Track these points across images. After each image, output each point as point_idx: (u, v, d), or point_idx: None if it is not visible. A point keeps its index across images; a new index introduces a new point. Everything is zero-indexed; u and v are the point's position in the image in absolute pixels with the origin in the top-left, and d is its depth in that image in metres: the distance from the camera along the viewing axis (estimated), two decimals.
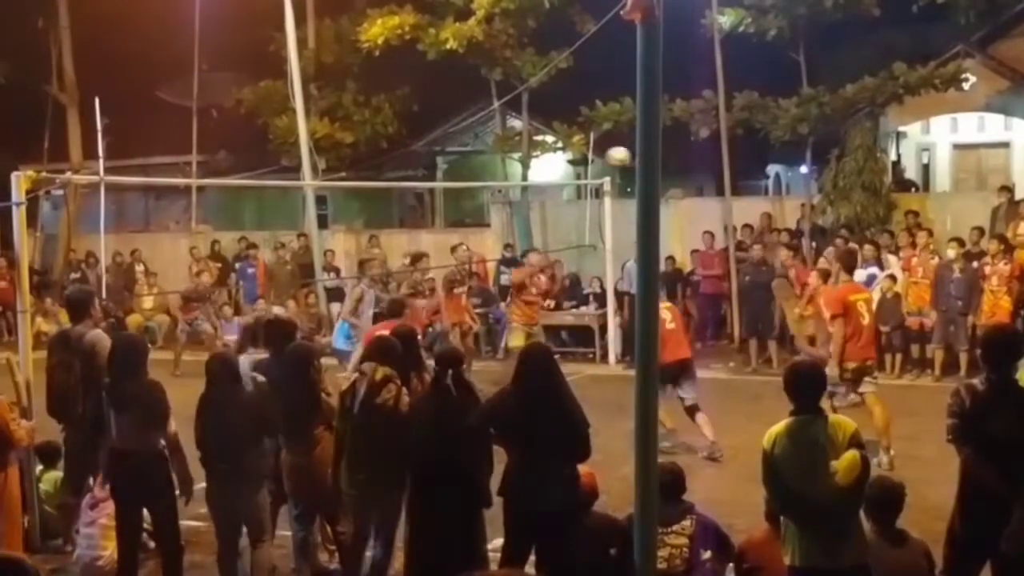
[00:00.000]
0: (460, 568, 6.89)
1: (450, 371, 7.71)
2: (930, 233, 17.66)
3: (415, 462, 7.75)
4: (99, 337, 9.16)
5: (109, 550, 8.54)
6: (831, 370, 11.56)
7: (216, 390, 7.94)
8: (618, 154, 17.38)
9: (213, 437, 7.85)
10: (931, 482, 8.98)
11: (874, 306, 16.67)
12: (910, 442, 12.09)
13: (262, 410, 7.98)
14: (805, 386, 6.44)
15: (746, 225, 20.18)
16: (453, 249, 20.39)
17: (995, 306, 15.87)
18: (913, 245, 17.36)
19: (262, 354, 9.08)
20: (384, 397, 7.70)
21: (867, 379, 11.80)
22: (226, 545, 8.09)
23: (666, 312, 12.65)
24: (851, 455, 6.13)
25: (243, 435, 7.84)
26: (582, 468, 7.40)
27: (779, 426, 6.38)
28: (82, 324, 9.36)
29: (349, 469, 7.85)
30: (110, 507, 8.63)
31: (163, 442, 8.05)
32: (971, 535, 6.81)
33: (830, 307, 11.95)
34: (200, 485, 8.19)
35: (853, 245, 16.68)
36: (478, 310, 18.20)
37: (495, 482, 7.49)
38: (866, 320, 11.92)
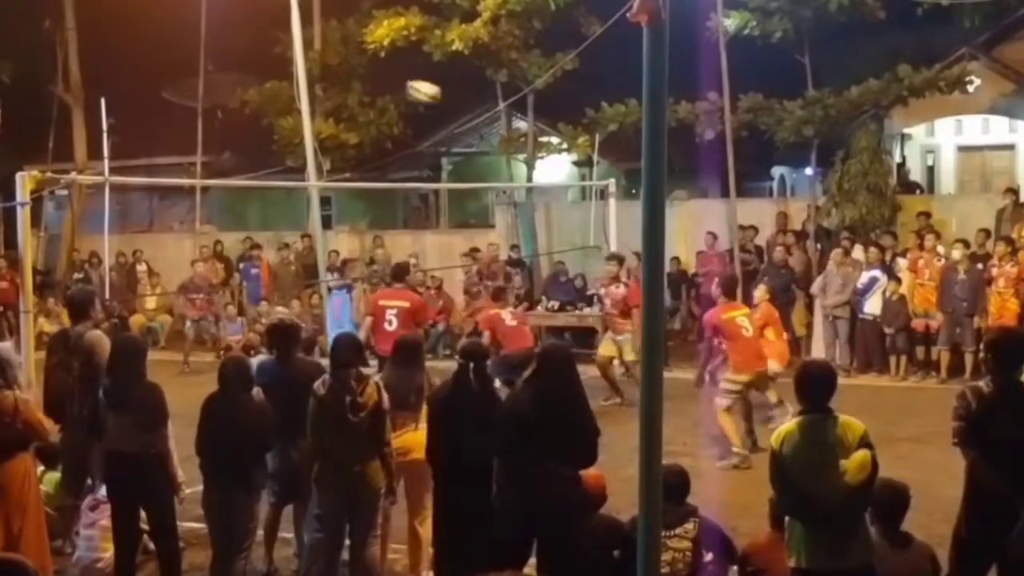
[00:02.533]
0: (483, 566, 6.88)
1: (471, 364, 7.74)
2: (937, 235, 17.63)
3: (437, 454, 7.79)
4: (98, 338, 9.15)
5: (109, 552, 8.51)
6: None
7: (227, 395, 7.89)
8: (423, 89, 17.04)
9: (217, 444, 7.78)
10: (936, 484, 8.96)
11: (879, 308, 16.81)
12: (915, 444, 12.10)
13: (266, 424, 7.95)
14: (815, 386, 6.43)
15: (750, 226, 20.14)
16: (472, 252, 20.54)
17: (1002, 308, 15.84)
18: (921, 247, 17.33)
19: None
20: (367, 395, 7.65)
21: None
22: (220, 551, 7.99)
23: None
24: (861, 455, 6.13)
25: (248, 446, 7.78)
26: (591, 470, 7.38)
27: (789, 425, 6.38)
28: (82, 324, 9.33)
29: (330, 473, 7.80)
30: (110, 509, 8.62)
31: (161, 444, 8.03)
32: (977, 538, 6.80)
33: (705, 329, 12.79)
34: (196, 488, 8.17)
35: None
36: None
37: None
38: (749, 333, 12.35)
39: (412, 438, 8.26)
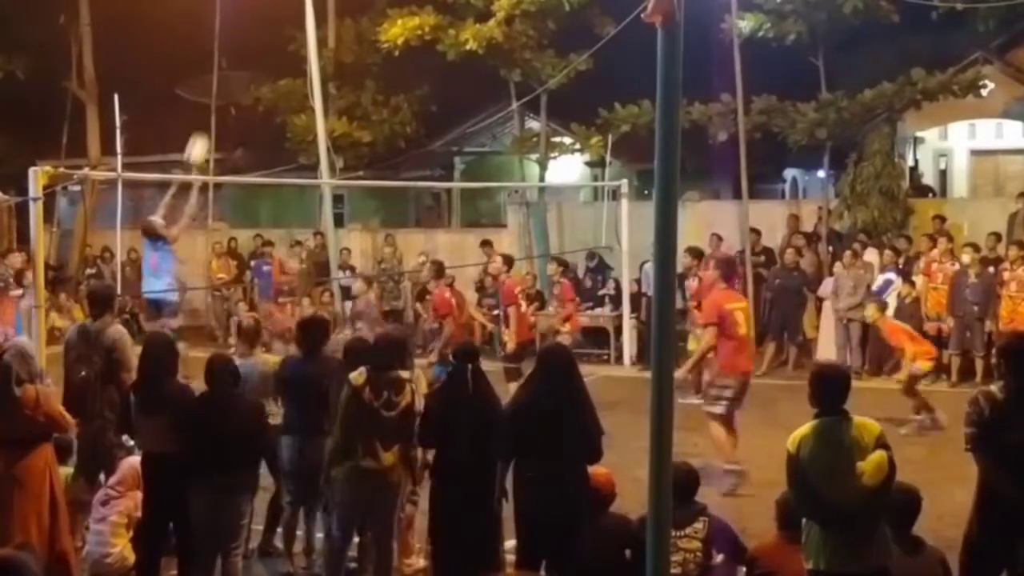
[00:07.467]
0: (479, 567, 6.88)
1: (469, 366, 7.71)
2: (950, 239, 17.59)
3: (435, 456, 7.79)
4: (119, 332, 9.12)
5: (119, 547, 8.52)
6: (677, 374, 11.41)
7: (215, 394, 7.81)
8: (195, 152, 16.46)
9: (209, 444, 7.61)
10: (945, 488, 8.94)
11: (890, 311, 16.76)
12: (925, 447, 12.07)
13: (256, 422, 7.87)
14: (830, 388, 6.41)
15: (753, 229, 20.04)
16: (483, 244, 20.51)
17: (1013, 312, 15.80)
18: (934, 250, 17.29)
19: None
20: (403, 395, 7.64)
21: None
22: (207, 555, 7.86)
23: None
24: (878, 456, 6.12)
25: (238, 444, 7.66)
26: (599, 467, 7.39)
27: (804, 428, 6.35)
28: (101, 320, 9.31)
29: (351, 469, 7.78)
30: (121, 504, 8.61)
31: None
32: (989, 543, 6.79)
33: (705, 316, 11.67)
34: None
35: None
36: (496, 311, 18.18)
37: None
38: (743, 331, 11.39)
39: None
